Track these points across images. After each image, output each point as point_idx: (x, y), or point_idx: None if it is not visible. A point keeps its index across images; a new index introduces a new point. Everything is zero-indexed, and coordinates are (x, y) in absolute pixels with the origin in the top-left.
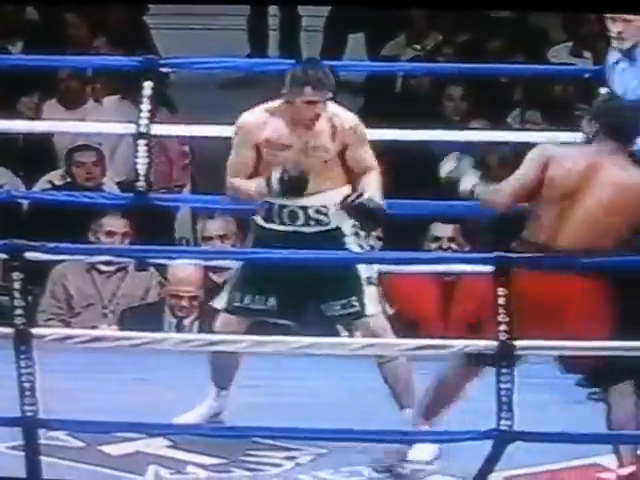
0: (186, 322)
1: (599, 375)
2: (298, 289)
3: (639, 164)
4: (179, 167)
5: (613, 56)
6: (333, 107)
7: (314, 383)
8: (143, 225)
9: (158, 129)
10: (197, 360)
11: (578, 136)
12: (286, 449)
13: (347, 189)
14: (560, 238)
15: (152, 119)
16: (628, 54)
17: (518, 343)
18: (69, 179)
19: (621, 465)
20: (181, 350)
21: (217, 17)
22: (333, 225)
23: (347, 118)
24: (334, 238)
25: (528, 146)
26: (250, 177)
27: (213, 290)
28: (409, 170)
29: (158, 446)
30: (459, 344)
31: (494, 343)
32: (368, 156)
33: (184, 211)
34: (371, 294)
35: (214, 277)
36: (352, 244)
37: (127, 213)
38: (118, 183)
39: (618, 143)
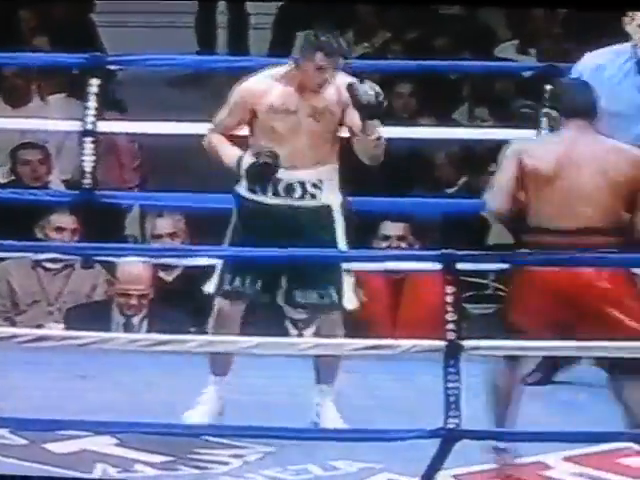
0: (135, 320)
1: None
2: (281, 275)
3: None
4: (130, 168)
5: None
6: (341, 74)
7: (258, 381)
8: (93, 223)
9: (105, 126)
10: (144, 357)
11: (525, 133)
12: (234, 447)
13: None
14: (566, 216)
15: (98, 116)
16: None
17: (466, 343)
18: (14, 177)
19: None
20: (128, 350)
21: (165, 15)
22: (324, 201)
23: (346, 79)
24: (324, 215)
25: (476, 143)
26: (233, 135)
27: (162, 289)
28: (360, 167)
29: (105, 444)
30: (407, 344)
31: (442, 343)
32: None
33: (133, 209)
34: (349, 286)
35: (163, 275)
36: (340, 222)
37: (76, 211)
38: (64, 181)
39: (583, 120)
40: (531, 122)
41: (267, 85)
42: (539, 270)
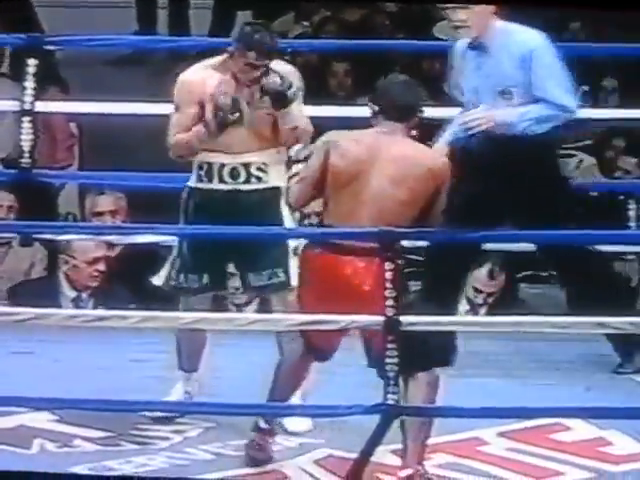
0: (84, 296)
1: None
2: (228, 262)
3: (421, 141)
4: (64, 147)
5: (459, 46)
6: (276, 63)
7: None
8: (25, 200)
9: (43, 106)
10: (85, 334)
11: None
12: (175, 423)
13: (284, 150)
14: (353, 220)
15: (36, 96)
16: (477, 45)
17: (404, 319)
18: None
19: None
20: (69, 325)
21: None
22: (271, 184)
23: (288, 70)
24: (271, 197)
25: None
26: None
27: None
28: None
29: (43, 420)
30: (347, 319)
31: (380, 318)
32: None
33: (69, 187)
34: (295, 266)
35: (108, 253)
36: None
37: (12, 188)
38: (1, 160)
39: (397, 123)
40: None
41: (206, 74)
42: (320, 254)
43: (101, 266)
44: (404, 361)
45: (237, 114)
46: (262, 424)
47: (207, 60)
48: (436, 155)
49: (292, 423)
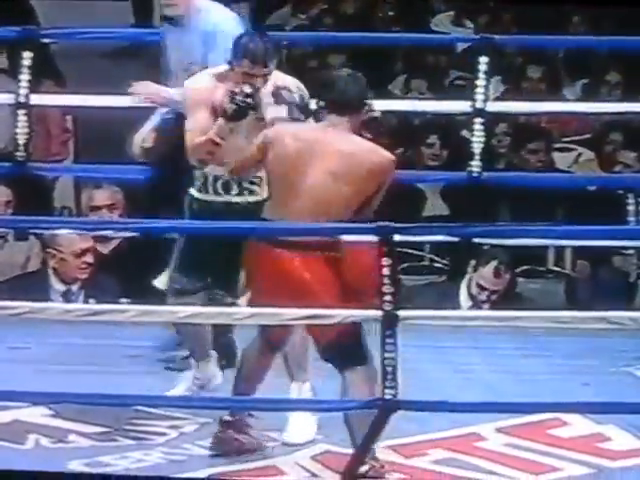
0: (74, 289)
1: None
2: (229, 263)
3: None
4: (58, 141)
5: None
6: (278, 73)
7: None
8: (20, 194)
9: (38, 99)
10: (82, 328)
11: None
12: (171, 418)
13: None
14: (291, 212)
15: (32, 89)
16: (181, 23)
17: (401, 313)
18: None
19: None
20: (63, 319)
21: None
22: (264, 197)
23: (290, 82)
24: (261, 209)
25: (413, 114)
26: None
27: (98, 261)
28: None
29: (38, 415)
30: (344, 314)
31: (378, 312)
32: None
33: (65, 181)
34: None
35: (100, 247)
36: None
37: (8, 182)
38: None
39: (339, 117)
40: (465, 94)
41: (212, 83)
42: (263, 247)
43: (89, 258)
44: (343, 356)
45: (253, 102)
46: (226, 417)
47: (210, 70)
48: (379, 154)
49: (292, 435)
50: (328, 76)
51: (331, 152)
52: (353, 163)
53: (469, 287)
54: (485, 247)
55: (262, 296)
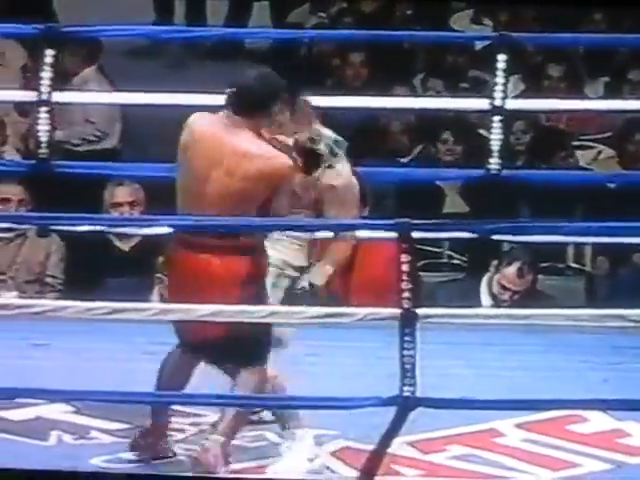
0: None
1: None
2: None
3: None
4: None
5: None
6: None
7: None
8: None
9: (59, 96)
10: (100, 325)
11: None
12: (191, 415)
13: None
14: (183, 205)
15: (53, 87)
16: None
17: (420, 311)
18: None
19: None
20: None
21: None
22: None
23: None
24: None
25: (430, 112)
26: None
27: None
28: None
29: (61, 411)
30: (363, 312)
31: (397, 311)
32: None
33: None
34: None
35: (119, 244)
36: None
37: (25, 180)
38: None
39: (239, 116)
40: (483, 92)
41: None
42: (176, 252)
43: None
44: (231, 357)
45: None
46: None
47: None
48: (273, 157)
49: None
50: (240, 74)
51: (224, 149)
52: (244, 162)
53: (490, 286)
54: (507, 247)
55: (177, 299)
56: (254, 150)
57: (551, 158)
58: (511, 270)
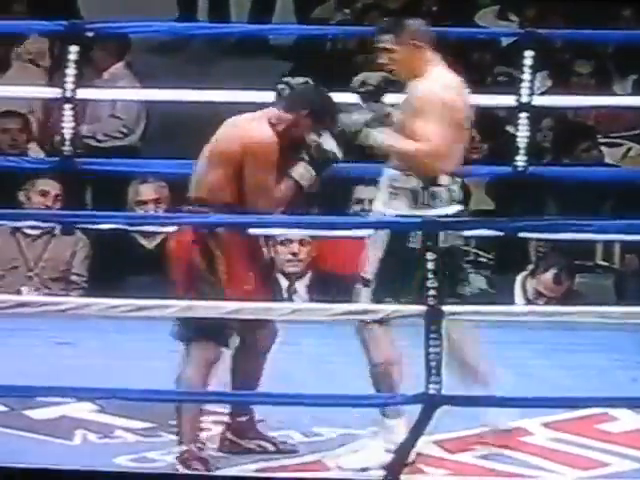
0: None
1: None
2: None
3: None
4: None
5: None
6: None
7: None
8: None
9: (84, 93)
10: (124, 323)
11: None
12: (215, 413)
13: None
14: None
15: (78, 83)
16: None
17: (446, 308)
18: None
19: None
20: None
21: None
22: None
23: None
24: None
25: None
26: None
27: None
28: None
29: (85, 410)
30: (389, 309)
31: (423, 308)
32: None
33: None
34: None
35: (144, 242)
36: None
37: (58, 177)
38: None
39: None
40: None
41: None
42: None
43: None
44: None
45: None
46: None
47: None
48: (254, 128)
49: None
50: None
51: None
52: (231, 129)
53: (525, 291)
54: (534, 246)
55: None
56: (243, 121)
57: (573, 149)
58: (547, 276)
